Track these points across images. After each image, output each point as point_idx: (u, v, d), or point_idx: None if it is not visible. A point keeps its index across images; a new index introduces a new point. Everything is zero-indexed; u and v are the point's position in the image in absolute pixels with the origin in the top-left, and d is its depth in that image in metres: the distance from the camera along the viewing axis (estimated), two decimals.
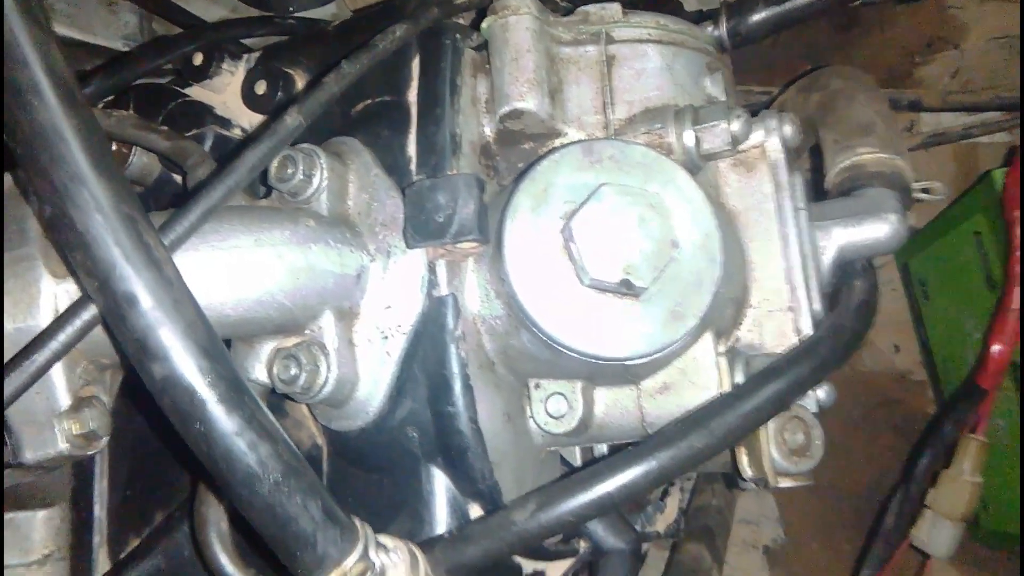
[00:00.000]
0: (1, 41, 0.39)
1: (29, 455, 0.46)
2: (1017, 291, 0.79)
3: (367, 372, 0.55)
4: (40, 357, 0.42)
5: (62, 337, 0.42)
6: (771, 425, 0.60)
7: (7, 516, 0.68)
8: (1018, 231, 0.79)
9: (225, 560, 0.52)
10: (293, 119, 0.49)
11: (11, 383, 0.42)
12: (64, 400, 0.46)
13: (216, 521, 0.52)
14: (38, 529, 0.70)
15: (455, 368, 0.55)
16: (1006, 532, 1.07)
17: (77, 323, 0.42)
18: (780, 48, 1.00)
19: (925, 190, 0.69)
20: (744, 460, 0.59)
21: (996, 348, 0.80)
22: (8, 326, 0.46)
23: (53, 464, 0.49)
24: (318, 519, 0.42)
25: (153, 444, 0.66)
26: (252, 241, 0.48)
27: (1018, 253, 0.79)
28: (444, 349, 0.55)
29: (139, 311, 0.39)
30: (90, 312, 0.42)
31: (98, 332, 0.44)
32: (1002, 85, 1.11)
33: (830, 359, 0.56)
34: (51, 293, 0.45)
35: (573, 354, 0.54)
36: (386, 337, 0.56)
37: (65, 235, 0.38)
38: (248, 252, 0.48)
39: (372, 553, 0.43)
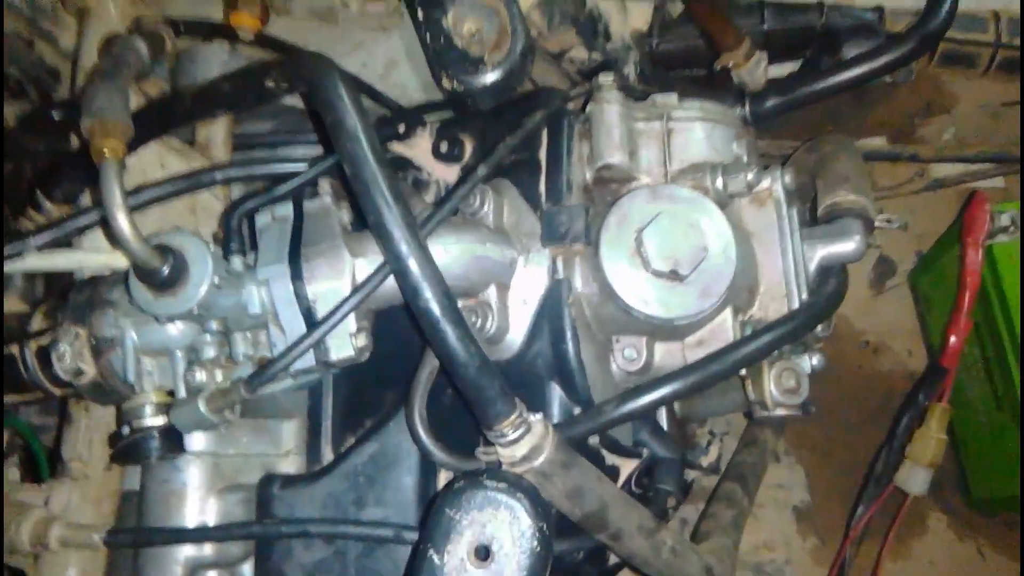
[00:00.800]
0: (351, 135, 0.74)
1: (333, 356, 0.82)
2: (967, 295, 1.07)
3: (513, 324, 0.90)
4: (352, 301, 0.78)
5: (363, 290, 0.78)
6: (772, 371, 0.92)
7: (267, 422, 1.05)
8: (967, 252, 1.08)
9: (426, 434, 0.87)
10: (483, 170, 0.85)
11: (333, 320, 0.78)
12: (354, 327, 0.82)
13: (421, 411, 0.87)
14: (285, 433, 1.06)
15: (567, 324, 0.88)
16: (992, 498, 1.33)
17: (371, 283, 0.78)
18: (807, 112, 1.30)
19: (889, 220, 1.00)
20: (751, 390, 0.91)
21: (952, 338, 1.08)
22: (325, 286, 0.82)
23: (341, 365, 0.84)
24: (497, 391, 0.75)
25: (364, 375, 1.02)
26: (455, 240, 0.84)
27: (968, 268, 1.07)
28: (561, 312, 0.88)
29: (410, 274, 0.74)
30: (376, 277, 0.78)
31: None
32: (988, 143, 1.40)
33: (805, 324, 0.87)
34: (351, 264, 0.82)
35: (641, 316, 0.87)
36: (525, 302, 0.90)
37: (378, 233, 0.73)
38: (454, 245, 0.84)
39: (525, 416, 0.77)
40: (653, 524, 0.86)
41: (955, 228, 1.31)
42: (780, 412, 0.93)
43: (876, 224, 0.97)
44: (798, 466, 1.53)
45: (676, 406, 1.06)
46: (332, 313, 0.79)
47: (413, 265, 0.72)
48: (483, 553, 0.73)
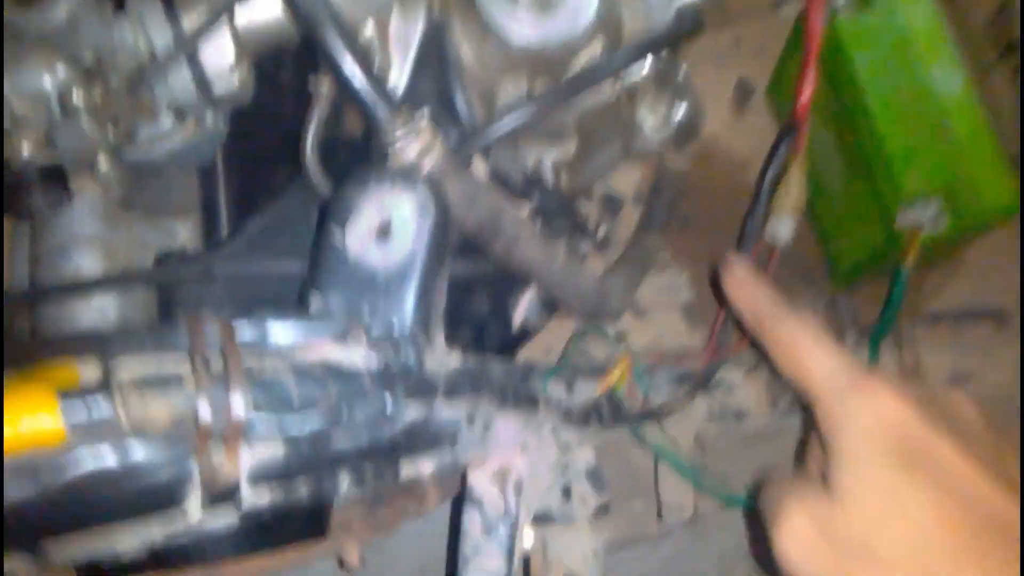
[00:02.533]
0: None
1: (217, 90, 0.83)
2: (813, 48, 1.17)
3: (396, 62, 0.93)
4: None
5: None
6: (644, 103, 1.00)
7: (159, 218, 1.04)
8: (811, 10, 1.17)
9: (319, 168, 0.90)
10: None
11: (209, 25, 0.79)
12: (233, 58, 0.83)
13: (313, 149, 0.90)
14: (180, 228, 1.07)
15: (450, 58, 0.93)
16: (851, 266, 1.45)
17: None
18: None
19: None
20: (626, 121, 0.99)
21: (803, 92, 1.17)
22: (199, 15, 0.83)
23: (225, 101, 0.85)
24: (384, 92, 0.79)
25: (255, 157, 1.03)
26: None
27: (811, 24, 1.17)
28: (443, 45, 0.93)
29: None
30: None
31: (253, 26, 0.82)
32: None
33: (660, 42, 0.96)
34: None
35: (517, 45, 0.92)
36: (406, 46, 0.93)
37: None
38: None
39: (414, 115, 0.81)
40: (544, 236, 0.92)
41: (793, 37, 1.41)
42: (655, 143, 1.01)
43: None
44: (682, 272, 1.62)
45: (563, 178, 1.12)
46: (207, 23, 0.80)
47: None
48: (384, 230, 0.76)
